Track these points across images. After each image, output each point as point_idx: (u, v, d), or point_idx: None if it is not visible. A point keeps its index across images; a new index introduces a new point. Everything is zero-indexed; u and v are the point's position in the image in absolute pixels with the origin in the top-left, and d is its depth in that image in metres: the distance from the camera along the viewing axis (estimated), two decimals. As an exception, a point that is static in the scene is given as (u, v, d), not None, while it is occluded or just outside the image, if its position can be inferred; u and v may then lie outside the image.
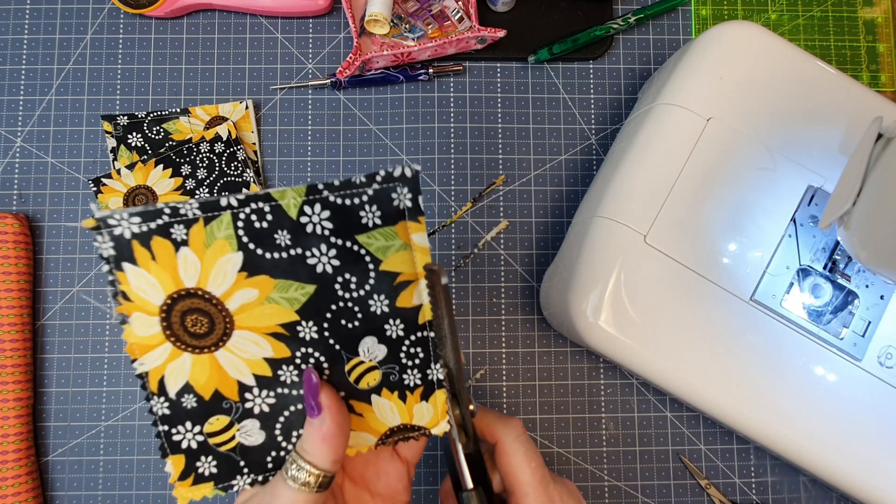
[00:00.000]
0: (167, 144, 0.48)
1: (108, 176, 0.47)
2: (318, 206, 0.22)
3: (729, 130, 0.40)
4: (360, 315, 0.24)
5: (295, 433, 0.26)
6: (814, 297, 0.40)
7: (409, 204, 0.22)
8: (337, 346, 0.25)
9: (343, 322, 0.24)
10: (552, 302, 0.44)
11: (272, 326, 0.24)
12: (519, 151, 0.50)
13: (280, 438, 0.26)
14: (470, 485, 0.29)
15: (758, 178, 0.40)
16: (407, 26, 0.48)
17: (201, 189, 0.47)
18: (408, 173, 0.22)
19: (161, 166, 0.47)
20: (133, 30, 0.50)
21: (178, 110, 0.49)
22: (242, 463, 0.26)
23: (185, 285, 0.23)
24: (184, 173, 0.47)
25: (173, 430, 0.25)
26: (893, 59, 0.51)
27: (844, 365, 0.38)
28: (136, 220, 0.22)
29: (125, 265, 0.22)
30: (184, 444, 0.25)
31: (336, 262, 0.23)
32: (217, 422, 0.25)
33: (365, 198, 0.22)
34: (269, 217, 0.22)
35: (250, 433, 0.25)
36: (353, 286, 0.24)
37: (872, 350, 0.39)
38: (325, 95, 0.50)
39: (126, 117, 0.48)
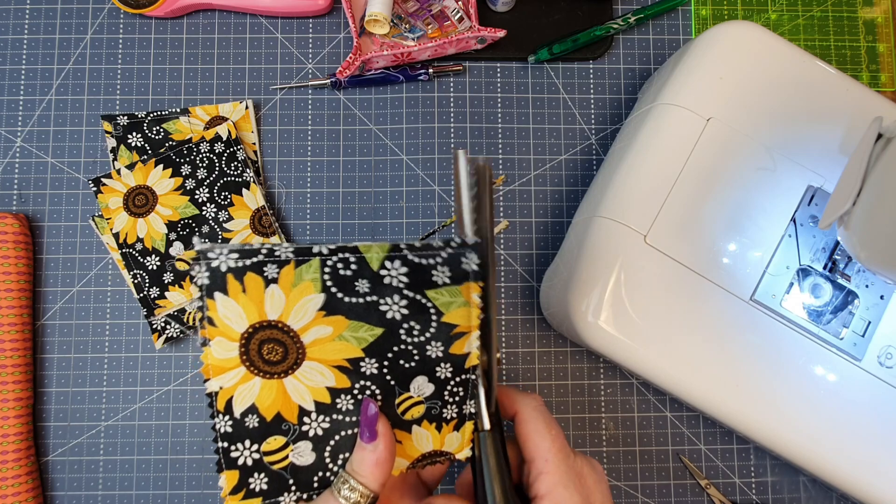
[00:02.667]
0: (167, 144, 0.48)
1: (108, 176, 0.47)
2: (397, 262, 0.26)
3: (729, 130, 0.40)
4: (416, 357, 0.28)
5: (342, 456, 0.28)
6: (814, 297, 0.40)
7: (474, 268, 0.26)
8: (392, 382, 0.28)
9: (401, 362, 0.28)
10: (552, 302, 0.44)
11: (339, 360, 0.27)
12: (519, 151, 0.50)
13: (328, 460, 0.28)
14: (488, 425, 0.29)
15: (758, 178, 0.40)
16: (407, 26, 0.48)
17: (201, 189, 0.47)
18: (474, 241, 0.26)
19: (161, 166, 0.47)
20: (133, 30, 0.50)
21: (178, 110, 0.49)
22: (291, 481, 0.28)
23: (269, 317, 0.26)
24: (184, 173, 0.47)
25: (232, 448, 0.27)
26: (893, 59, 0.51)
27: (844, 365, 0.38)
28: (235, 255, 0.25)
29: (217, 294, 0.25)
30: (240, 461, 0.27)
31: (405, 311, 0.27)
32: (274, 441, 0.27)
33: (439, 259, 0.26)
34: (353, 266, 0.26)
35: (302, 454, 0.28)
36: (415, 332, 0.27)
37: (872, 350, 0.39)
38: (325, 95, 0.50)
39: (126, 117, 0.48)
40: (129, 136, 0.48)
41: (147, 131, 0.48)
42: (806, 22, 0.52)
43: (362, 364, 0.27)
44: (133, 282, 0.46)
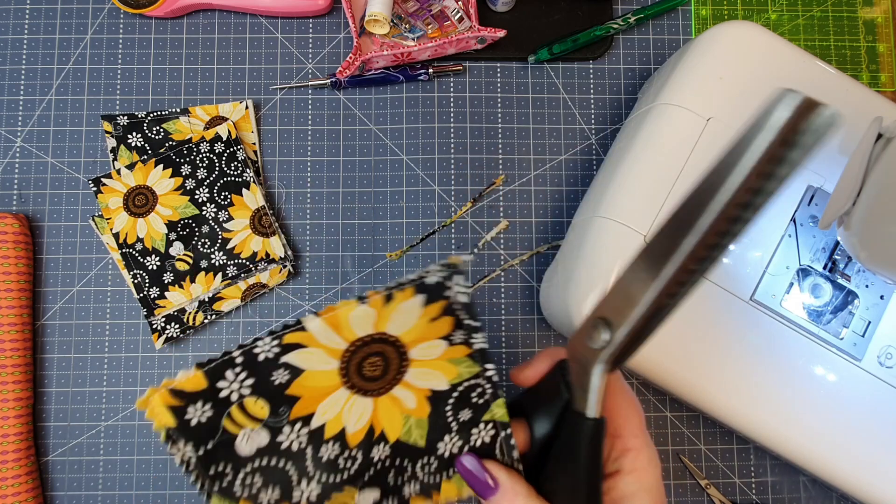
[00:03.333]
0: (167, 144, 0.48)
1: (108, 176, 0.47)
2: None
3: (729, 130, 0.40)
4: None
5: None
6: (814, 297, 0.40)
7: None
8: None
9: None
10: (552, 302, 0.44)
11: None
12: (519, 151, 0.50)
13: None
14: (596, 413, 0.25)
15: (758, 178, 0.40)
16: (407, 26, 0.48)
17: (201, 189, 0.47)
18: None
19: (161, 166, 0.47)
20: (133, 30, 0.50)
21: (178, 110, 0.49)
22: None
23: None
24: (184, 173, 0.47)
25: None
26: (893, 59, 0.51)
27: (844, 365, 0.38)
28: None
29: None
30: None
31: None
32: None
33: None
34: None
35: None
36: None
37: (872, 350, 0.39)
38: (325, 95, 0.50)
39: (126, 117, 0.48)
40: (129, 136, 0.48)
41: (147, 131, 0.48)
42: (806, 22, 0.52)
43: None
44: (133, 282, 0.46)
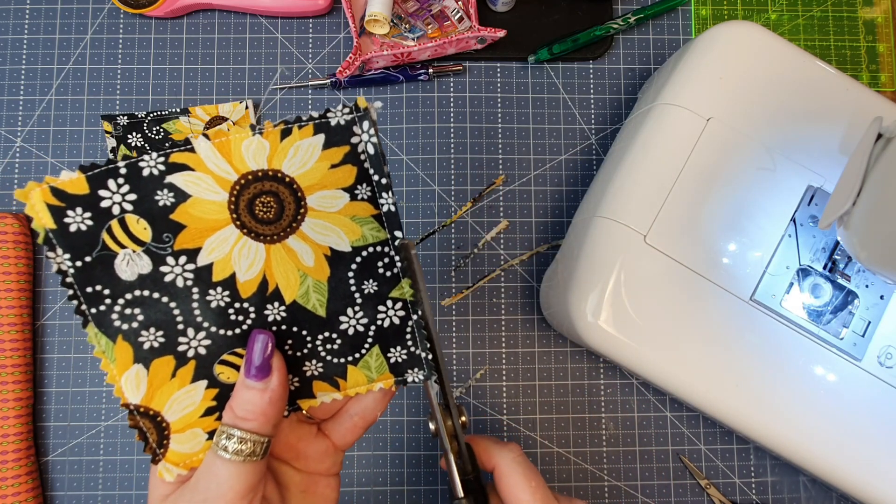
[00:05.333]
0: (167, 144, 0.48)
1: (108, 176, 0.47)
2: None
3: (729, 130, 0.40)
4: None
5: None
6: (814, 297, 0.40)
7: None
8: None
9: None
10: (552, 302, 0.44)
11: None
12: (519, 151, 0.50)
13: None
14: (461, 493, 0.29)
15: (758, 178, 0.40)
16: (407, 26, 0.48)
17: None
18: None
19: (161, 166, 0.47)
20: (133, 30, 0.50)
21: (178, 110, 0.49)
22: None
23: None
24: (184, 173, 0.47)
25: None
26: (893, 59, 0.51)
27: (844, 365, 0.38)
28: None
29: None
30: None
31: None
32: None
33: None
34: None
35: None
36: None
37: (872, 350, 0.39)
38: (325, 95, 0.50)
39: (126, 117, 0.48)
40: (129, 136, 0.48)
41: (147, 131, 0.48)
42: (806, 22, 0.52)
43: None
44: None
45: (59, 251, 0.23)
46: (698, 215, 0.39)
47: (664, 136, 0.40)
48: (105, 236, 0.24)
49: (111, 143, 0.48)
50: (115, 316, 0.24)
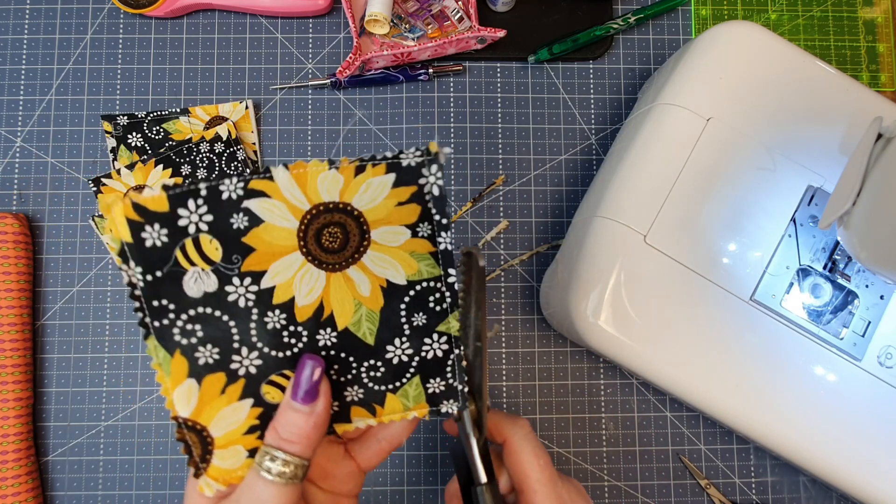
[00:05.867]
0: (167, 144, 0.48)
1: (108, 176, 0.47)
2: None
3: (729, 130, 0.40)
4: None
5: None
6: (814, 297, 0.40)
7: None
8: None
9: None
10: (552, 302, 0.44)
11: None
12: (519, 151, 0.50)
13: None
14: (484, 479, 0.29)
15: (758, 178, 0.40)
16: (407, 26, 0.48)
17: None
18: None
19: (161, 166, 0.47)
20: (133, 30, 0.50)
21: (178, 110, 0.49)
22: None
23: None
24: (184, 173, 0.47)
25: None
26: (893, 59, 0.51)
27: (844, 365, 0.38)
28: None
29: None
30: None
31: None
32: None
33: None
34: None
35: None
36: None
37: (872, 350, 0.39)
38: (325, 95, 0.50)
39: (126, 117, 0.48)
40: (129, 136, 0.48)
41: (147, 131, 0.48)
42: (806, 22, 0.52)
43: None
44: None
45: (132, 264, 0.24)
46: (698, 215, 0.39)
47: (664, 136, 0.40)
48: (178, 253, 0.24)
49: (111, 143, 0.48)
50: (176, 331, 0.25)
